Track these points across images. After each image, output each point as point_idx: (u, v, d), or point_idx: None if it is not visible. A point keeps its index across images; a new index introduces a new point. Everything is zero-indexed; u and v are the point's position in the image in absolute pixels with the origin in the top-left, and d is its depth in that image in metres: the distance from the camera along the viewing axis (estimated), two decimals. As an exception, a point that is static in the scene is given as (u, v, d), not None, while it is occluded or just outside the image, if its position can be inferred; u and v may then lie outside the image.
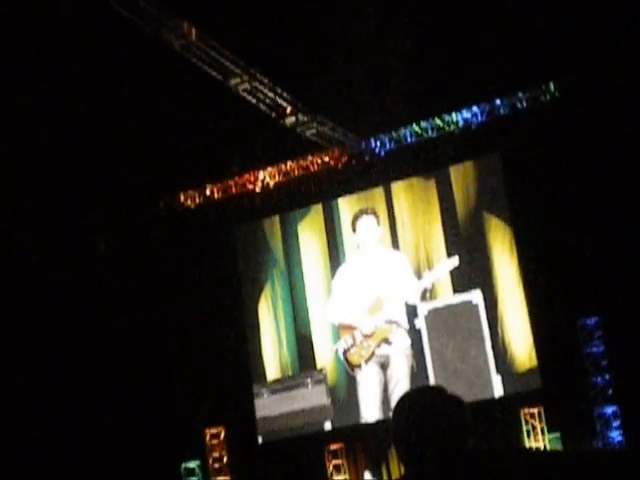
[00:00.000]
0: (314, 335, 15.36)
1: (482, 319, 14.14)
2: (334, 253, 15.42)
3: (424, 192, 14.99)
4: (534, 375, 13.92)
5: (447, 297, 14.43)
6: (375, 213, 14.90)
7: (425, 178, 15.03)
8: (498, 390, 13.98)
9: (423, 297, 14.30)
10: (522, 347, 14.08)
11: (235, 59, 13.25)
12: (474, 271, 14.41)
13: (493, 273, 14.42)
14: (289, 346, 15.58)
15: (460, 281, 14.38)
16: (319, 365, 15.23)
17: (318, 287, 15.45)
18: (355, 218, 14.97)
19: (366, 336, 14.49)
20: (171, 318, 15.70)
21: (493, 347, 14.09)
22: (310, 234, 15.68)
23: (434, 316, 14.30)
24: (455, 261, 14.18)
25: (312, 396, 15.11)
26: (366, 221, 14.86)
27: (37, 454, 14.34)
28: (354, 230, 14.98)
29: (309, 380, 15.20)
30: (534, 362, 13.94)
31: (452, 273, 14.32)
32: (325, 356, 15.19)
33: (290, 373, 15.50)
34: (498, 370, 14.03)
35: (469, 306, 14.22)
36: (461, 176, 14.81)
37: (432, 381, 13.99)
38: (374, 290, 14.57)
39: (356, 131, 15.00)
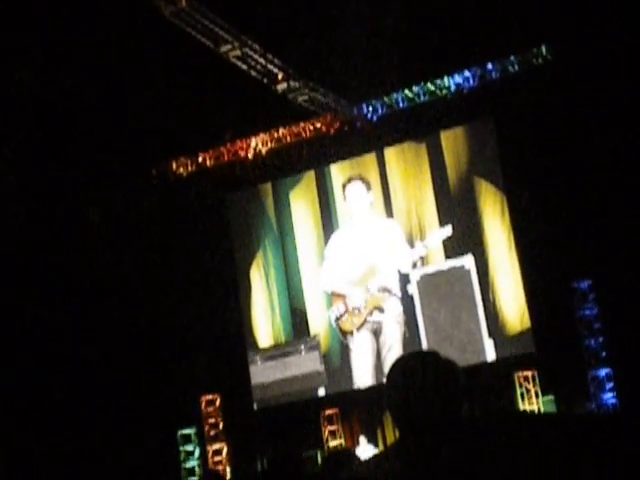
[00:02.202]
0: (307, 302, 15.39)
1: (474, 284, 14.17)
2: (327, 220, 15.42)
3: (415, 157, 14.98)
4: (527, 339, 13.98)
5: (439, 263, 14.45)
6: (364, 179, 14.88)
7: (416, 143, 15.02)
8: (491, 354, 14.04)
9: (414, 266, 14.32)
10: (514, 311, 14.13)
11: (226, 26, 13.17)
12: (466, 236, 14.43)
13: (485, 238, 14.44)
14: (282, 313, 15.62)
15: (452, 246, 14.40)
16: (313, 332, 15.27)
17: (311, 254, 15.46)
18: (344, 185, 14.97)
19: (358, 304, 14.52)
20: (165, 287, 15.70)
21: (485, 312, 14.14)
22: (302, 201, 15.67)
23: (426, 282, 14.33)
24: (448, 230, 14.19)
25: (306, 362, 15.17)
26: (355, 187, 14.85)
27: (34, 424, 14.38)
28: (344, 197, 14.98)
29: (303, 347, 15.25)
30: (526, 325, 14.00)
31: (444, 239, 14.33)
32: (319, 323, 15.23)
33: (283, 340, 15.55)
34: (490, 334, 14.09)
35: (461, 271, 14.24)
36: (452, 141, 14.80)
37: (425, 347, 14.03)
38: (366, 258, 14.59)
39: (348, 97, 14.95)
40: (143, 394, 15.23)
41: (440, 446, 2.66)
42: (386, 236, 14.63)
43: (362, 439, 14.51)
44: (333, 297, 14.86)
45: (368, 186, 14.81)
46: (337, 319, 14.76)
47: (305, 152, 15.47)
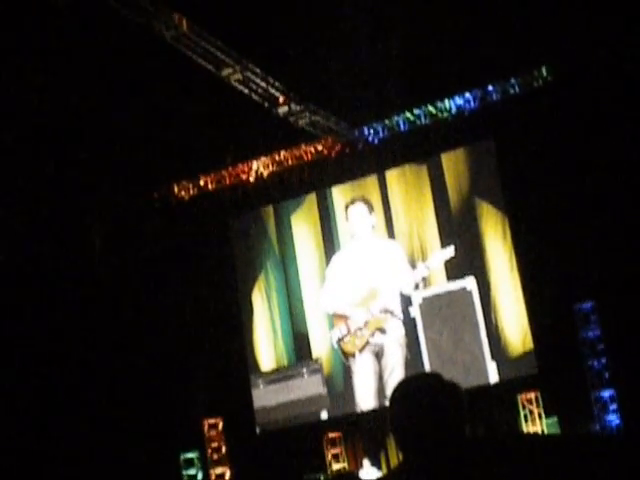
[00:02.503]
0: (309, 325, 15.37)
1: (476, 306, 14.15)
2: (329, 242, 15.42)
3: (417, 180, 14.99)
4: (529, 360, 13.94)
5: (441, 284, 14.44)
6: (366, 201, 14.88)
7: (417, 165, 15.04)
8: (493, 376, 14.00)
9: (417, 287, 14.31)
10: (516, 333, 14.10)
11: (227, 49, 13.23)
12: (467, 258, 14.42)
13: (486, 260, 14.43)
14: (284, 336, 15.59)
15: (454, 268, 14.38)
16: (315, 355, 15.24)
17: (313, 277, 15.45)
18: (347, 207, 14.98)
19: (360, 326, 14.50)
20: (168, 309, 15.70)
21: (487, 333, 14.11)
22: (304, 224, 15.67)
23: (428, 304, 14.31)
24: (450, 252, 14.18)
25: (308, 386, 15.13)
26: (357, 209, 14.85)
27: (33, 445, 14.34)
28: (346, 219, 14.99)
29: (305, 370, 15.21)
30: (528, 347, 13.96)
31: (446, 261, 14.33)
32: (321, 346, 15.20)
33: (286, 363, 15.52)
34: (493, 357, 14.05)
35: (463, 293, 14.23)
36: (453, 163, 14.82)
37: (427, 369, 13.99)
38: (368, 280, 14.57)
39: (349, 119, 15.00)
40: (145, 417, 15.19)
41: (444, 468, 2.65)
42: (388, 257, 14.62)
43: (365, 462, 14.46)
44: (335, 319, 14.83)
45: (371, 208, 14.81)
46: (339, 340, 14.73)
47: (306, 175, 15.50)
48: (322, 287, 15.14)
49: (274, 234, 15.88)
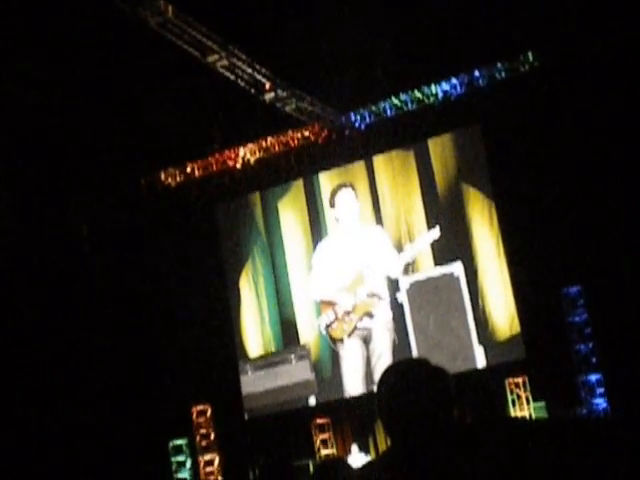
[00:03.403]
0: (297, 311, 15.38)
1: (463, 291, 14.19)
2: (315, 229, 15.41)
3: (403, 165, 14.99)
4: (516, 345, 13.99)
5: (428, 270, 14.47)
6: (353, 187, 14.89)
7: (404, 151, 15.03)
8: (481, 361, 14.05)
9: (406, 271, 14.33)
10: (503, 317, 14.14)
11: (212, 36, 13.20)
12: (455, 243, 14.45)
13: (473, 245, 14.45)
14: (272, 323, 15.60)
15: (441, 253, 14.41)
16: (302, 341, 15.26)
17: (300, 263, 15.45)
18: (333, 192, 14.98)
19: (348, 311, 14.52)
20: (156, 297, 15.68)
21: (475, 318, 14.15)
22: (291, 210, 15.66)
23: (416, 289, 14.34)
24: (436, 233, 14.21)
25: (296, 372, 15.15)
26: (344, 195, 14.86)
27: (22, 434, 14.33)
28: (332, 205, 14.99)
29: (293, 356, 15.23)
30: (515, 331, 14.00)
31: (433, 246, 14.35)
32: (308, 332, 15.22)
33: (273, 349, 15.53)
34: (480, 341, 14.09)
35: (450, 278, 14.26)
36: (439, 148, 14.82)
37: (415, 354, 14.03)
38: (355, 265, 14.58)
39: (336, 105, 14.97)
40: (134, 405, 15.19)
41: (432, 453, 2.66)
42: (373, 242, 14.64)
43: (354, 447, 14.49)
44: (322, 305, 14.85)
45: (356, 194, 14.82)
46: (327, 326, 14.75)
47: (293, 161, 15.47)
48: (309, 274, 15.15)
49: (261, 221, 15.86)
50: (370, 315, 14.48)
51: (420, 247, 14.25)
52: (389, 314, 14.48)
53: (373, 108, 14.91)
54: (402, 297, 14.36)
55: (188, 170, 16.00)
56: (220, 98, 14.21)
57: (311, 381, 15.08)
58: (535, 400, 13.69)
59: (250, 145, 15.62)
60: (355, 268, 14.55)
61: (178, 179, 16.10)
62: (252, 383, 15.41)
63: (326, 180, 15.43)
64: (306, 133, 15.34)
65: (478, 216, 14.49)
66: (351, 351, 14.57)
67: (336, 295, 14.63)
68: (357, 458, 14.02)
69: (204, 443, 15.60)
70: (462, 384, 13.15)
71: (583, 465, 2.61)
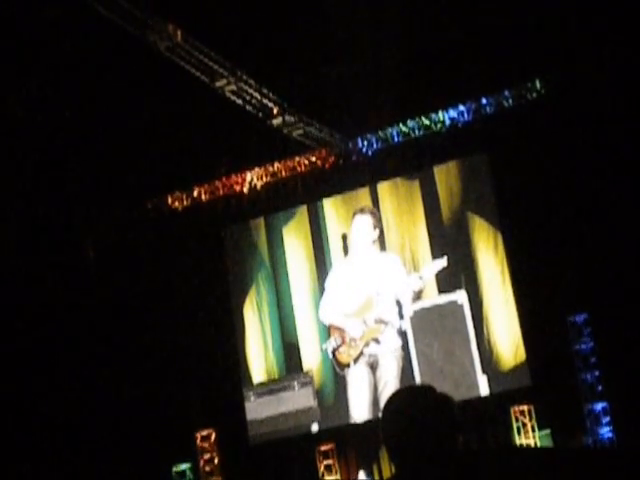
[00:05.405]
0: (300, 338, 15.34)
1: (467, 319, 14.13)
2: (319, 255, 15.38)
3: (408, 193, 14.97)
4: (522, 373, 13.92)
5: (432, 298, 14.42)
6: (374, 214, 14.61)
7: (409, 178, 15.01)
8: (484, 389, 13.98)
9: (416, 297, 14.28)
10: (508, 346, 14.08)
11: (221, 60, 13.25)
12: (459, 271, 14.40)
13: (478, 273, 14.41)
14: (275, 349, 15.56)
15: (445, 281, 14.35)
16: (305, 367, 15.21)
17: (304, 289, 15.42)
18: (354, 214, 14.76)
19: (355, 337, 14.47)
20: (160, 321, 15.67)
21: (478, 347, 14.08)
22: (295, 236, 15.63)
23: (419, 317, 14.29)
24: (443, 262, 14.16)
25: (299, 399, 15.09)
26: (365, 220, 14.64)
27: (27, 457, 14.29)
28: (350, 227, 14.80)
29: (295, 383, 15.17)
30: (520, 359, 13.93)
31: (437, 274, 14.30)
32: (311, 359, 15.17)
33: (276, 376, 15.48)
34: (484, 370, 14.03)
35: (454, 306, 14.20)
36: (445, 176, 14.79)
37: (418, 381, 13.98)
38: (365, 290, 14.52)
39: (343, 131, 15.01)
40: (137, 430, 15.15)
41: (436, 481, 2.65)
42: (385, 267, 14.55)
43: (361, 474, 14.41)
44: (331, 329, 14.78)
45: (376, 221, 14.54)
46: (334, 351, 14.69)
47: (300, 186, 15.49)
48: (313, 300, 15.13)
49: (265, 246, 15.84)
50: (377, 341, 14.41)
51: (426, 276, 14.17)
52: (397, 341, 14.38)
53: (380, 134, 14.93)
54: (406, 325, 14.31)
55: (195, 194, 16.03)
56: (227, 123, 14.25)
57: (314, 408, 15.02)
58: (540, 428, 13.63)
59: (257, 170, 15.64)
60: (364, 293, 14.49)
61: (185, 203, 16.13)
62: (255, 409, 15.35)
63: (330, 206, 15.41)
64: (313, 158, 15.36)
65: (483, 244, 14.45)
66: (357, 377, 14.50)
67: (345, 320, 14.52)
68: (362, 485, 13.96)
69: (208, 468, 15.54)
70: (467, 412, 13.09)
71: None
